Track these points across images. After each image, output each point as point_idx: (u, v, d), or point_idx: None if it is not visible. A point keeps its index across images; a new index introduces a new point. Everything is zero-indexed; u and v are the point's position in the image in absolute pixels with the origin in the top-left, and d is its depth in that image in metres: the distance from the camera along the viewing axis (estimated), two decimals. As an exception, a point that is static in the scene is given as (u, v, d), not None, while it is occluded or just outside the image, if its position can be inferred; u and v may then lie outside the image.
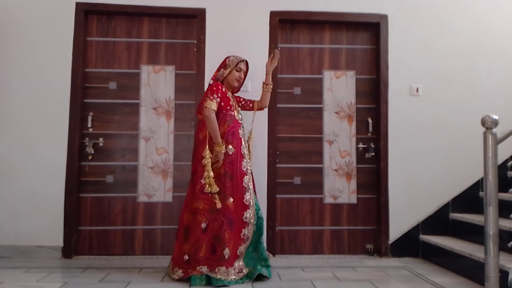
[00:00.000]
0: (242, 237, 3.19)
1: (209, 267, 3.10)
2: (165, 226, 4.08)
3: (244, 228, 3.20)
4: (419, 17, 4.25)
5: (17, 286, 3.05)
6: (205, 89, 4.00)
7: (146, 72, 4.18)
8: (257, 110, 3.61)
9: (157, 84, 4.18)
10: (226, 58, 3.45)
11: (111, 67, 4.16)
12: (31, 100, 3.97)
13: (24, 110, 3.97)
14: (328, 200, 4.22)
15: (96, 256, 4.02)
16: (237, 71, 3.41)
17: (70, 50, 4.02)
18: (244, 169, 3.27)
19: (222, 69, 3.42)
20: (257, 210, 3.34)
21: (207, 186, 3.12)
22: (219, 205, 3.12)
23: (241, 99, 3.60)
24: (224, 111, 3.28)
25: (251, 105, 3.60)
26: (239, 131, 3.34)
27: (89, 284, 3.12)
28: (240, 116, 3.43)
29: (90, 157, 4.05)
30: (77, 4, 4.05)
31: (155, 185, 4.11)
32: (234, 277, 3.10)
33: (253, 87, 4.02)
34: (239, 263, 3.18)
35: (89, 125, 4.09)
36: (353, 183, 4.24)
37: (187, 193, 3.36)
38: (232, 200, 3.17)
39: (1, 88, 3.97)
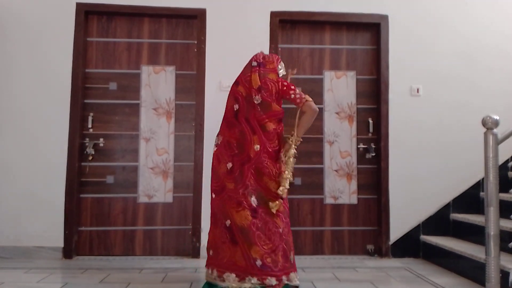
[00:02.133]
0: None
1: (286, 275, 2.80)
2: (166, 227, 4.08)
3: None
4: (420, 17, 4.25)
5: (17, 286, 3.05)
6: (206, 89, 4.04)
7: (147, 72, 4.17)
8: None
9: (158, 84, 4.17)
10: (278, 58, 3.09)
11: (112, 68, 4.16)
12: (31, 100, 3.97)
13: (25, 111, 3.97)
14: (329, 200, 4.21)
15: (96, 256, 4.01)
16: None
17: (71, 51, 4.02)
18: None
19: (282, 69, 3.06)
20: None
21: (282, 188, 2.84)
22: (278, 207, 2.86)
23: None
24: None
25: None
26: None
27: (90, 285, 3.12)
28: None
29: (90, 158, 4.05)
30: (78, 4, 4.05)
31: (155, 185, 4.10)
32: (295, 282, 2.83)
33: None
34: None
35: (90, 125, 4.09)
36: (354, 184, 4.24)
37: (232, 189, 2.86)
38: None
39: (1, 89, 3.97)
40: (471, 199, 4.13)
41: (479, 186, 4.12)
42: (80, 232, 4.03)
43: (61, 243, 3.91)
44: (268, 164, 2.86)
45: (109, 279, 3.28)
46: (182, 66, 4.20)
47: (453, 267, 3.56)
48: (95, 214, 4.06)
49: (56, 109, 3.98)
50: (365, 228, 4.23)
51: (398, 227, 4.12)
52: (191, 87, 4.15)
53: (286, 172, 2.88)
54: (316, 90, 4.26)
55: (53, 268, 3.58)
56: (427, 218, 4.12)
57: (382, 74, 4.20)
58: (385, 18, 4.23)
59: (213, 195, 2.96)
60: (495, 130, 2.48)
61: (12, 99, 3.97)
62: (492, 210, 2.45)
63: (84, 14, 4.07)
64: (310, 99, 2.92)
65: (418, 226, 4.12)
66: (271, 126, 2.90)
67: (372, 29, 4.31)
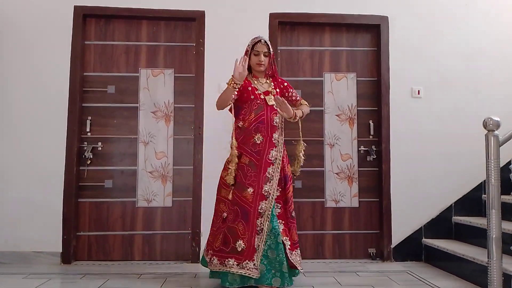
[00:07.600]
0: (256, 228, 2.96)
1: (220, 259, 2.99)
2: (165, 231, 4.04)
3: (258, 219, 2.97)
4: (420, 18, 4.22)
5: (14, 292, 3.04)
6: (205, 92, 4.03)
7: (145, 75, 4.15)
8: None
9: (156, 87, 4.15)
10: None
11: (110, 71, 4.14)
12: (29, 104, 3.95)
13: (22, 115, 3.95)
14: (330, 204, 4.17)
15: (95, 261, 3.98)
16: (255, 55, 3.21)
17: (68, 54, 4.00)
18: (272, 159, 3.08)
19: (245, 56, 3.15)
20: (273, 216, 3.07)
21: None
22: (230, 196, 3.07)
23: (289, 92, 3.35)
24: (248, 102, 3.14)
25: (295, 103, 3.36)
26: (274, 119, 3.14)
27: (88, 291, 3.10)
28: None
29: (88, 162, 4.02)
30: (76, 7, 4.03)
31: (154, 189, 4.07)
32: (244, 271, 2.89)
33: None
34: (258, 259, 2.94)
35: (88, 129, 4.06)
36: (355, 187, 4.21)
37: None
38: (252, 190, 3.00)
39: (-1, 93, 3.96)
40: (473, 201, 4.09)
41: (481, 188, 4.09)
42: (79, 237, 4.00)
43: (59, 248, 3.88)
44: None
45: (108, 284, 3.25)
46: (181, 69, 4.17)
47: (455, 270, 3.53)
48: (94, 218, 4.03)
49: (54, 113, 3.96)
50: (367, 231, 4.19)
51: (400, 230, 4.08)
52: (190, 90, 4.12)
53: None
54: (316, 92, 4.24)
55: (51, 274, 3.55)
56: (429, 221, 4.09)
57: (383, 76, 4.17)
58: (385, 19, 4.20)
59: None
60: (496, 132, 2.46)
61: (10, 103, 3.95)
62: (494, 213, 2.42)
63: (82, 17, 4.05)
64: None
65: (420, 229, 4.08)
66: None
67: (372, 30, 4.29)
